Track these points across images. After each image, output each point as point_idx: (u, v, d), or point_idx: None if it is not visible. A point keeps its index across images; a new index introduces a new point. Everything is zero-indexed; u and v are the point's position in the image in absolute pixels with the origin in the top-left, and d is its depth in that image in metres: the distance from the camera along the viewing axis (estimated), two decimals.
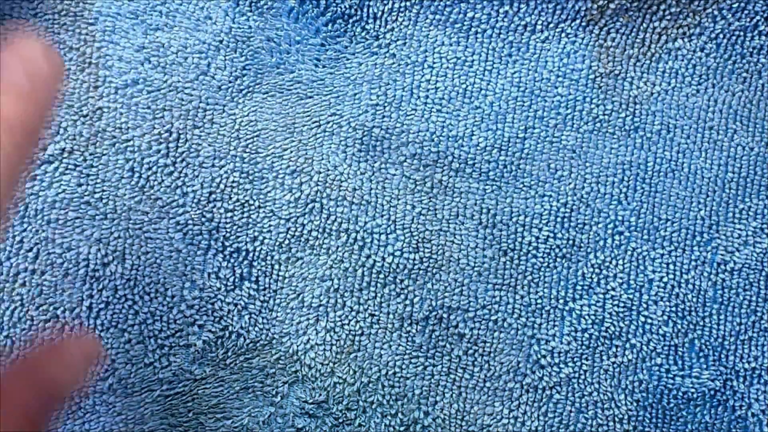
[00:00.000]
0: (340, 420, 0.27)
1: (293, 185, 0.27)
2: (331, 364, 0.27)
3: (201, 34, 0.27)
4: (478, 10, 0.27)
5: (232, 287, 0.27)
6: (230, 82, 0.27)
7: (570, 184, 0.27)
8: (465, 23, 0.27)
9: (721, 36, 0.27)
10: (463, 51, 0.27)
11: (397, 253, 0.27)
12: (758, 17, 0.27)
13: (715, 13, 0.27)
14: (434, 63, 0.27)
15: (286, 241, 0.27)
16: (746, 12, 0.27)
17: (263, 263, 0.27)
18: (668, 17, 0.27)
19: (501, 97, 0.27)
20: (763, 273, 0.27)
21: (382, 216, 0.27)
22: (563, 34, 0.27)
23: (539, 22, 0.27)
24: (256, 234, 0.27)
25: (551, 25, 0.27)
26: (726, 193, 0.27)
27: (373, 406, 0.27)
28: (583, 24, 0.27)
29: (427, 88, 0.27)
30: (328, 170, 0.27)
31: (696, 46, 0.27)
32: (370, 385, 0.27)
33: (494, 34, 0.27)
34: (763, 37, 0.27)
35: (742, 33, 0.27)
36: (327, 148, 0.27)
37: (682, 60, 0.27)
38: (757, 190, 0.27)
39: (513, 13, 0.27)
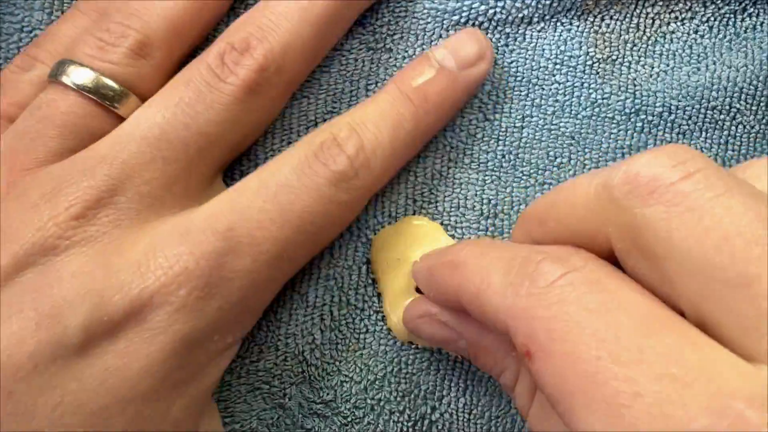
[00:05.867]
0: (349, 419, 0.27)
1: None
2: (336, 363, 0.27)
3: None
4: (474, 5, 0.26)
5: None
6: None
7: (570, 171, 0.27)
8: (463, 15, 0.27)
9: (712, 19, 0.27)
10: None
11: None
12: (746, 1, 0.27)
13: None
14: None
15: None
16: None
17: None
18: (660, 3, 0.27)
19: (498, 87, 0.27)
20: None
21: (383, 213, 0.27)
22: (559, 23, 0.27)
23: (536, 14, 0.27)
24: None
25: (547, 17, 0.27)
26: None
27: (381, 404, 0.27)
28: (578, 14, 0.27)
29: None
30: None
31: (689, 29, 0.27)
32: (377, 382, 0.27)
33: (491, 27, 0.27)
34: (754, 18, 0.28)
35: (732, 15, 0.28)
36: None
37: (678, 42, 0.27)
38: None
39: (511, 5, 0.27)
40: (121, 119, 0.23)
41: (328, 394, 0.27)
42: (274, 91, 0.24)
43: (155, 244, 0.22)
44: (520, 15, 0.27)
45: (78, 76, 0.23)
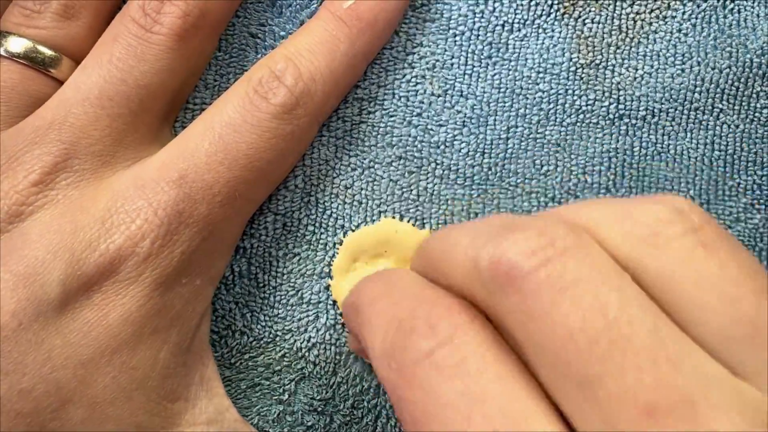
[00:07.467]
0: (348, 418, 0.27)
1: (288, 178, 0.27)
2: (333, 364, 0.28)
3: None
4: (454, 10, 0.27)
5: (232, 285, 0.28)
6: (215, 81, 0.27)
7: (557, 178, 0.27)
8: (442, 23, 0.27)
9: (694, 17, 0.26)
10: (441, 54, 0.27)
11: None
12: None
13: None
14: (414, 63, 0.27)
15: (283, 237, 0.28)
16: None
17: (261, 260, 0.28)
18: (639, 1, 0.26)
19: (482, 101, 0.27)
20: (756, 248, 0.26)
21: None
22: (540, 30, 0.27)
23: (516, 20, 0.27)
24: (252, 231, 0.28)
25: (528, 22, 0.27)
26: (714, 171, 0.26)
27: (378, 408, 0.27)
28: (558, 18, 0.27)
29: (407, 89, 0.27)
30: (320, 164, 0.28)
31: (673, 28, 0.26)
32: (371, 390, 0.27)
33: (473, 36, 0.27)
34: (736, 14, 0.26)
35: (713, 12, 0.26)
36: (317, 141, 0.27)
37: (662, 42, 0.26)
38: (744, 166, 0.26)
39: (489, 12, 0.27)
40: (60, 82, 0.24)
41: (327, 392, 0.28)
42: (202, 33, 0.25)
43: (115, 200, 0.23)
44: (500, 22, 0.27)
45: (9, 44, 0.24)
